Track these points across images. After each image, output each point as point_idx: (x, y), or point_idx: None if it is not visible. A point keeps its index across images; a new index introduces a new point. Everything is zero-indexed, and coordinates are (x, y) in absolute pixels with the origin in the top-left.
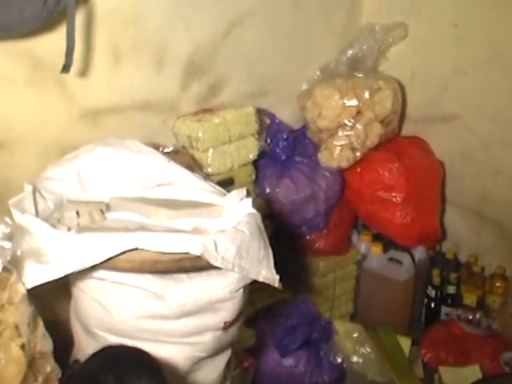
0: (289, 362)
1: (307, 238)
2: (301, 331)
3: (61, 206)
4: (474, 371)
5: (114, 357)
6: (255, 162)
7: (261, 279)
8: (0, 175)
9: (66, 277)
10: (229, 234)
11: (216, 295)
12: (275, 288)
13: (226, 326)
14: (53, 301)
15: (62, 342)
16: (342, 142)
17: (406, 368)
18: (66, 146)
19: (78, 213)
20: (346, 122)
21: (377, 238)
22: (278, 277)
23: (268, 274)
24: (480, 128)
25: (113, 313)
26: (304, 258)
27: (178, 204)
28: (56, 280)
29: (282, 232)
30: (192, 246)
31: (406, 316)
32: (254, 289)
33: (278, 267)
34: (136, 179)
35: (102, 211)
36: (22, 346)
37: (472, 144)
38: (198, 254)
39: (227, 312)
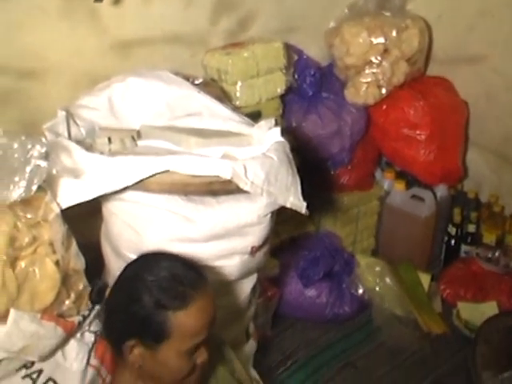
0: (311, 292)
1: (332, 173)
2: (324, 263)
3: (93, 133)
4: (491, 307)
5: (160, 258)
6: (282, 97)
7: (288, 205)
8: (33, 104)
9: (98, 200)
10: (258, 159)
11: (244, 220)
12: (299, 220)
13: (253, 251)
14: (83, 225)
15: (92, 265)
16: (369, 79)
17: (425, 303)
18: (97, 76)
19: (109, 139)
20: (373, 59)
21: (400, 175)
22: (305, 204)
23: (295, 201)
24: (505, 70)
25: (143, 235)
26: (328, 192)
27: (207, 133)
28: (88, 202)
29: (307, 166)
30: (222, 170)
31: (427, 253)
32: (278, 220)
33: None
34: (166, 109)
35: (133, 138)
36: (57, 263)
37: (497, 85)
38: (228, 177)
39: (254, 237)
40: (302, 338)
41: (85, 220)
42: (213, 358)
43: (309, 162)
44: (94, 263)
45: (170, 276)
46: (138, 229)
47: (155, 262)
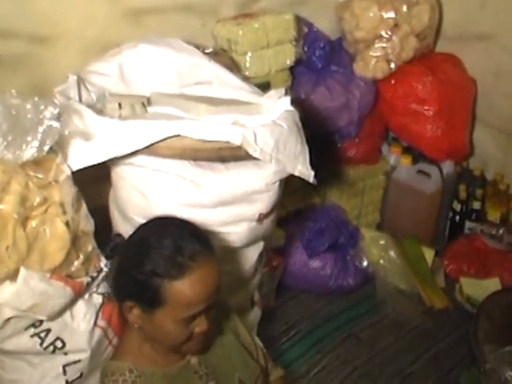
0: (316, 263)
1: (339, 145)
2: (329, 234)
3: (103, 99)
4: (493, 283)
5: (167, 225)
6: (291, 69)
7: (297, 173)
8: (43, 69)
9: (106, 165)
10: (268, 127)
11: (252, 186)
12: (306, 192)
13: (261, 218)
14: (92, 190)
15: (101, 229)
16: (378, 54)
17: (428, 277)
18: (108, 44)
19: (120, 105)
20: (383, 33)
21: (407, 150)
22: (313, 173)
23: (304, 169)
24: None
25: (151, 200)
26: (335, 165)
27: (217, 101)
28: (97, 166)
29: (315, 139)
30: (232, 136)
31: (431, 228)
32: (285, 192)
33: None
34: (176, 76)
35: (143, 104)
36: (67, 224)
37: (505, 63)
38: (238, 143)
39: (262, 204)
40: (306, 308)
41: (94, 185)
42: (219, 323)
43: (316, 134)
44: (103, 228)
45: (172, 245)
46: (146, 193)
47: (162, 229)
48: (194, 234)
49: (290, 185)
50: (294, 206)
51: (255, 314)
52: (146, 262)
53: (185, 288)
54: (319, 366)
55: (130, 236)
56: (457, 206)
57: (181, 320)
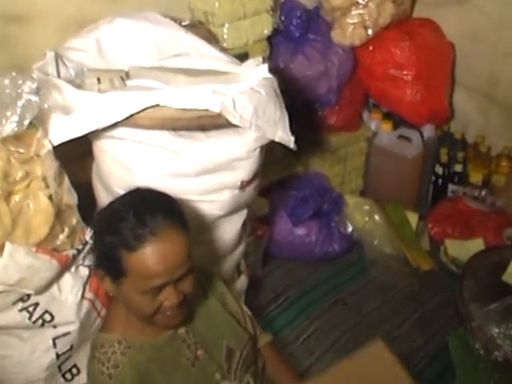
0: (301, 231)
1: (320, 113)
2: (313, 202)
3: (81, 75)
4: (477, 244)
5: (138, 197)
6: (269, 39)
7: (277, 139)
8: (21, 49)
9: (88, 139)
10: (246, 94)
11: (233, 154)
12: (288, 162)
13: (243, 185)
14: (75, 166)
15: (86, 205)
16: (355, 20)
17: (413, 240)
18: (85, 21)
19: (98, 79)
20: (360, 0)
21: (387, 115)
22: (293, 138)
23: (284, 135)
24: (491, 10)
25: (133, 171)
26: (316, 133)
27: (195, 72)
28: (79, 142)
29: (295, 108)
30: (211, 104)
31: (414, 192)
32: (267, 162)
33: None
34: (154, 49)
35: (122, 78)
36: (50, 197)
37: (483, 26)
38: (218, 111)
39: (244, 171)
40: (293, 276)
41: (77, 161)
42: (205, 291)
43: (297, 103)
44: (88, 204)
45: (136, 218)
46: (129, 165)
47: (131, 202)
48: (161, 207)
49: (272, 154)
50: (276, 175)
51: (242, 282)
52: (110, 233)
53: (143, 260)
54: (308, 332)
55: (103, 208)
56: (439, 170)
57: (144, 292)
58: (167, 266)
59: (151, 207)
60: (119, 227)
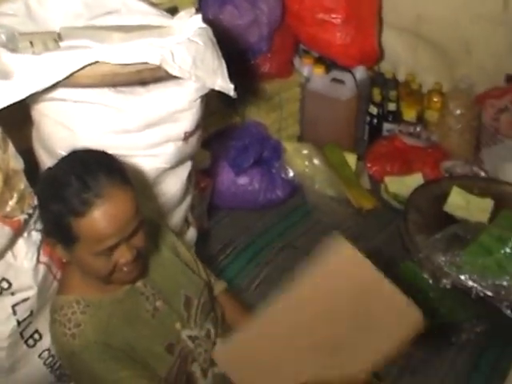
0: (243, 180)
1: (252, 62)
2: (252, 150)
3: (13, 39)
4: (417, 179)
5: (76, 160)
6: None
7: (217, 88)
8: None
9: (25, 105)
10: (183, 44)
11: (175, 106)
12: (225, 113)
13: (187, 137)
14: (13, 132)
15: (26, 171)
16: None
17: (353, 181)
18: None
19: (31, 43)
20: None
21: (318, 60)
22: (232, 86)
23: (223, 83)
24: None
25: (76, 132)
26: (250, 82)
27: (128, 28)
28: (17, 106)
29: (228, 57)
30: (150, 56)
31: (351, 134)
32: (205, 114)
33: None
34: (84, 8)
35: (55, 40)
36: None
37: None
38: (157, 63)
39: (187, 122)
40: (239, 225)
41: (13, 129)
42: (156, 244)
43: (229, 53)
44: (28, 171)
45: (77, 182)
46: (71, 126)
47: (69, 166)
48: (101, 167)
49: (208, 107)
50: (215, 127)
51: (191, 234)
52: (55, 200)
53: (92, 224)
54: (259, 278)
55: (43, 174)
56: (373, 110)
57: (98, 253)
58: (117, 225)
59: (91, 169)
60: (63, 194)
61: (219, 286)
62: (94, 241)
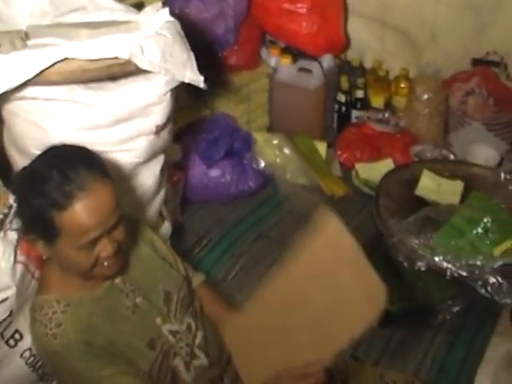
0: (215, 172)
1: (219, 55)
2: (223, 142)
3: None
4: (387, 164)
5: (56, 155)
6: None
7: (187, 80)
8: None
9: None
10: (152, 38)
11: (145, 100)
12: (194, 106)
13: (158, 130)
14: None
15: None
16: None
17: (324, 169)
18: None
19: None
20: None
21: (285, 50)
22: (202, 78)
23: (193, 76)
24: None
25: (48, 130)
26: (219, 74)
27: (95, 25)
28: None
29: (195, 51)
30: (119, 51)
31: (320, 122)
32: (174, 109)
33: None
34: (50, 6)
35: (22, 39)
36: None
37: None
38: (126, 57)
39: (158, 116)
40: (213, 218)
41: None
42: (134, 239)
43: (196, 46)
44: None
45: (58, 176)
46: (42, 124)
47: (49, 160)
48: (81, 161)
49: (177, 101)
50: (184, 121)
51: (166, 227)
52: (35, 195)
53: (75, 217)
54: (235, 269)
55: (21, 172)
56: (341, 98)
57: (80, 247)
58: (99, 217)
59: (72, 162)
60: (44, 188)
61: (197, 279)
62: (76, 234)
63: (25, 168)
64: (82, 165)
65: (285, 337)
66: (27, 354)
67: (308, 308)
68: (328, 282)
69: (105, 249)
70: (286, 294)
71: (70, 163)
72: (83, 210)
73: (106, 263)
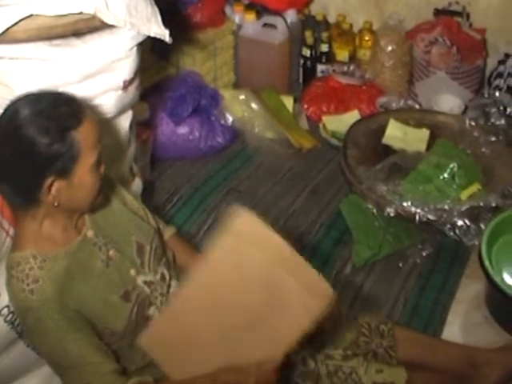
0: (183, 129)
1: (183, 12)
2: (190, 99)
3: None
4: (353, 115)
5: (24, 99)
6: None
7: (152, 34)
8: None
9: None
10: None
11: (111, 55)
12: (160, 66)
13: (126, 85)
14: None
15: None
16: None
17: (292, 123)
18: None
19: None
20: None
21: (249, 6)
22: (167, 31)
23: (158, 30)
24: None
25: (15, 89)
26: (183, 33)
27: None
28: None
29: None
30: (84, 6)
31: (286, 77)
32: (140, 69)
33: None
34: None
35: None
36: None
37: None
38: (92, 12)
39: (125, 71)
40: (183, 175)
41: None
42: (105, 194)
43: (160, 4)
44: None
45: (51, 103)
46: (9, 83)
47: (26, 102)
48: (54, 91)
49: (143, 61)
50: (151, 80)
51: (137, 184)
52: (40, 134)
53: (89, 129)
54: (207, 224)
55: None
56: (306, 52)
57: (93, 166)
58: (99, 133)
59: (50, 92)
60: (46, 122)
61: (169, 231)
62: (91, 147)
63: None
64: (60, 92)
65: (220, 338)
66: (5, 311)
67: (243, 309)
68: (260, 282)
69: (102, 166)
70: (214, 296)
71: (49, 93)
72: (91, 122)
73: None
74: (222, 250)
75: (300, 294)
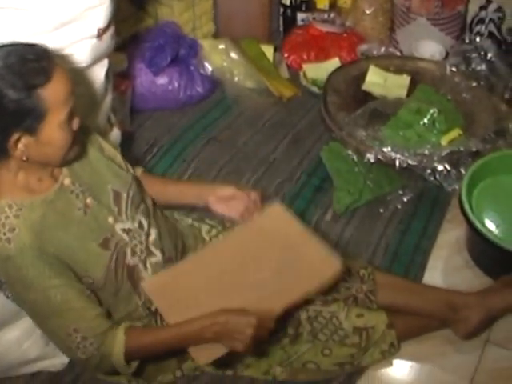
0: (162, 79)
1: None
2: (169, 49)
3: None
4: (334, 63)
5: (5, 45)
6: None
7: None
8: None
9: None
10: None
11: (85, 2)
12: (137, 17)
13: (100, 34)
14: None
15: None
16: None
17: (272, 72)
18: None
19: None
20: None
21: None
22: None
23: None
24: None
25: None
26: None
27: None
28: None
29: None
30: None
31: (265, 26)
32: (116, 20)
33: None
34: None
35: None
36: None
37: None
38: None
39: (99, 18)
40: (162, 125)
41: None
42: (82, 142)
43: None
44: None
45: (19, 58)
46: None
47: (6, 50)
48: (28, 44)
49: (120, 12)
50: (128, 31)
51: (115, 134)
52: (6, 88)
53: (58, 86)
54: (188, 173)
55: None
56: (286, 1)
57: (64, 121)
58: (71, 85)
59: (21, 47)
60: (12, 77)
61: (137, 171)
62: (61, 104)
63: None
64: (33, 45)
65: (221, 293)
66: None
67: (260, 266)
68: (280, 247)
69: (75, 121)
70: (224, 260)
71: (21, 47)
72: (61, 78)
73: (75, 140)
74: (249, 225)
75: (314, 261)
